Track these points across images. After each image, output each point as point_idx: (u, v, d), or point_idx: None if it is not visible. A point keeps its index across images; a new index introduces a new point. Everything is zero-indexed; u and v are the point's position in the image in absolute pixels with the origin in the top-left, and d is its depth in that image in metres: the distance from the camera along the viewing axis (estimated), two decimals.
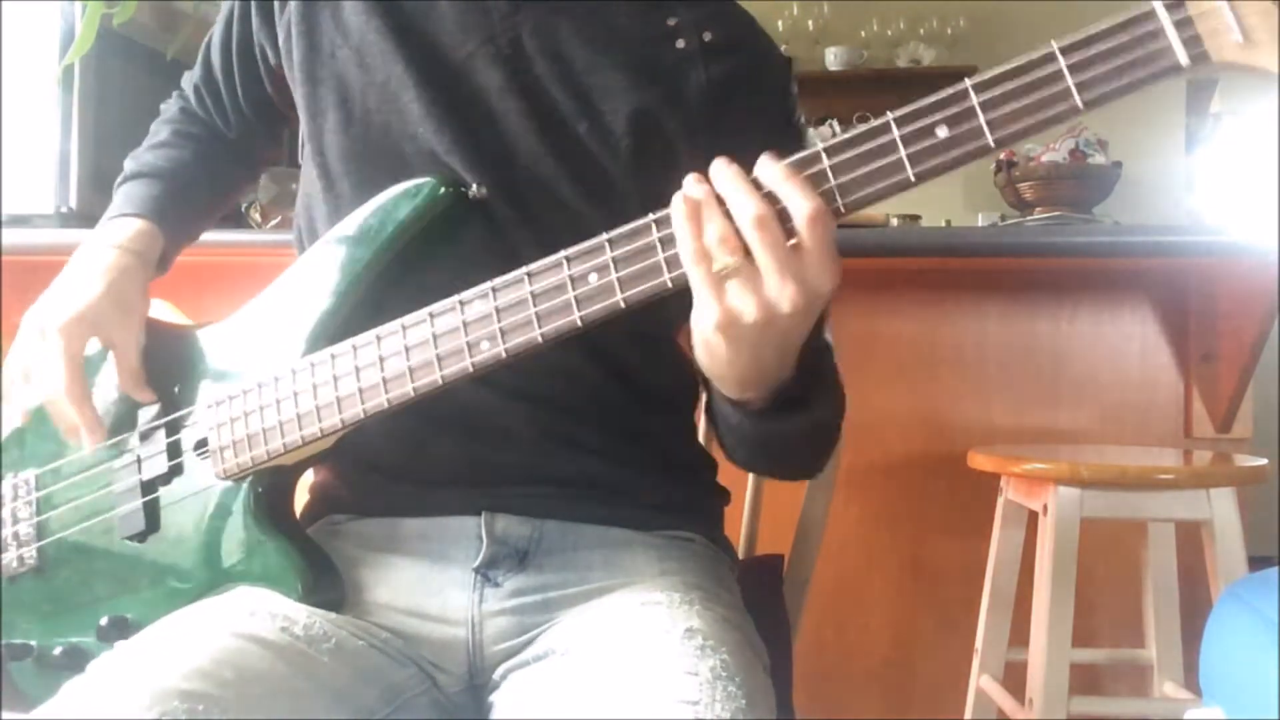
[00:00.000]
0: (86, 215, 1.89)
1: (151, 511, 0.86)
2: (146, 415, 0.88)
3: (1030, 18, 3.89)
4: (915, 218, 2.37)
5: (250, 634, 0.72)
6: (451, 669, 0.81)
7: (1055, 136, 2.03)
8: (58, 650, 0.88)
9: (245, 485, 0.82)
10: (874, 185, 0.61)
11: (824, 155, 0.62)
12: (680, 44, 0.88)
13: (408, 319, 0.73)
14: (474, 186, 0.79)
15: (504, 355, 0.70)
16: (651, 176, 0.66)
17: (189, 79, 1.05)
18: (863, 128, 0.61)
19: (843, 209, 0.62)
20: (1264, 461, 1.49)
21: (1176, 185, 3.90)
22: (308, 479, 0.92)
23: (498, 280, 0.70)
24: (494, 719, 0.78)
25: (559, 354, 0.71)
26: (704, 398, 0.76)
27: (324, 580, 0.81)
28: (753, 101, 0.88)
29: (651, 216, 0.65)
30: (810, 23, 4.23)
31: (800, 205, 0.61)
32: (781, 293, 0.61)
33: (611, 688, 0.69)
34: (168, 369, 0.88)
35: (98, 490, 0.89)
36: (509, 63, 0.86)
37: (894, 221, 2.25)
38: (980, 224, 2.74)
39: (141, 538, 0.86)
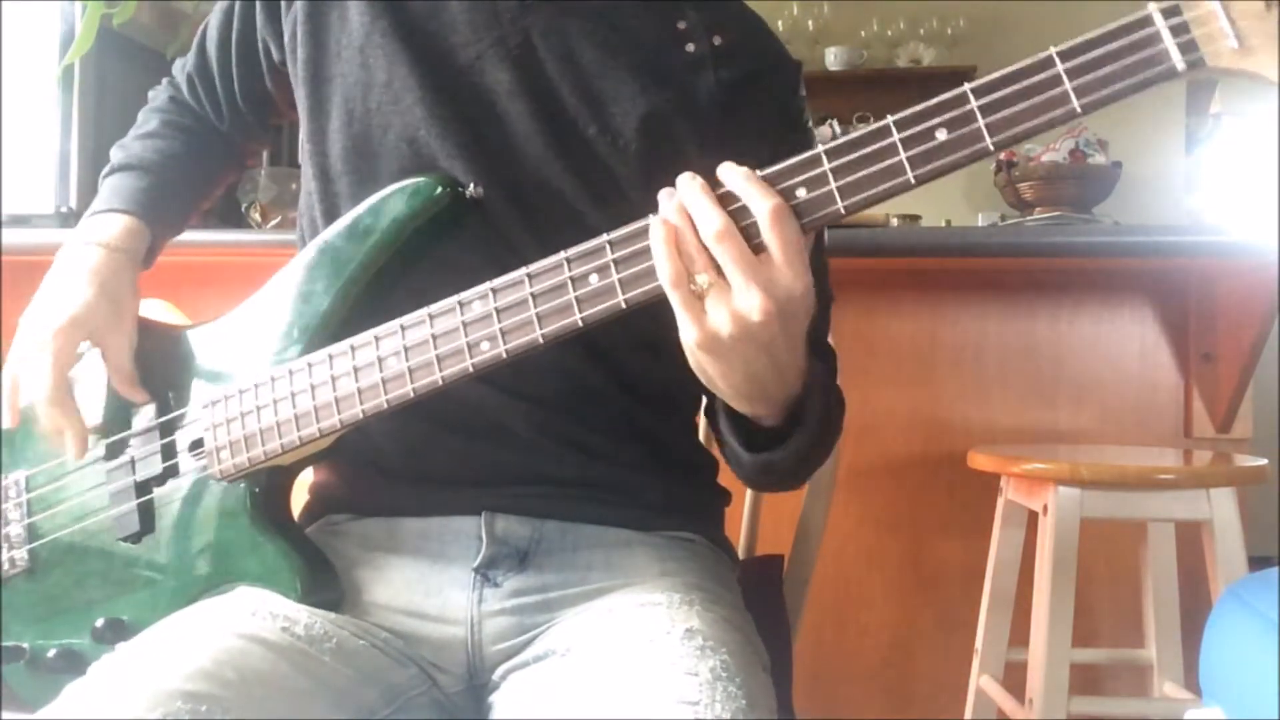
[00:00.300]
0: (80, 220, 1.90)
1: (146, 512, 0.86)
2: (140, 415, 0.88)
3: (1030, 18, 3.89)
4: (915, 218, 2.37)
5: (252, 634, 0.72)
6: (451, 669, 0.81)
7: (1055, 136, 2.03)
8: (52, 653, 0.88)
9: (242, 486, 0.82)
10: (874, 187, 0.62)
11: (824, 158, 0.63)
12: (690, 47, 0.88)
13: (406, 319, 0.73)
14: (471, 186, 0.79)
15: (504, 356, 0.70)
16: (660, 181, 0.66)
17: (180, 67, 1.04)
18: (863, 130, 0.62)
19: (843, 211, 0.63)
20: (1264, 461, 1.49)
21: (1176, 185, 3.91)
22: (307, 478, 0.92)
23: (498, 281, 0.70)
24: (494, 719, 0.78)
25: (559, 354, 0.72)
26: (704, 402, 0.77)
27: (322, 580, 0.81)
28: (762, 105, 0.88)
29: (652, 218, 0.65)
30: (810, 23, 4.22)
31: (761, 205, 0.62)
32: (750, 303, 0.62)
33: (611, 688, 0.69)
34: (161, 369, 0.88)
35: (91, 491, 0.89)
36: (519, 63, 0.85)
37: (894, 221, 2.25)
38: (980, 224, 2.74)
39: (136, 539, 0.86)
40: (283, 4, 0.92)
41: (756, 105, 0.87)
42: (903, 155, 0.61)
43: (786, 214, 0.62)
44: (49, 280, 0.90)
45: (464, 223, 0.80)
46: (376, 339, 0.75)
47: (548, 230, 0.83)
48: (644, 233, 0.65)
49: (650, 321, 0.67)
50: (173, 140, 0.99)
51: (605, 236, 0.67)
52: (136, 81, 2.17)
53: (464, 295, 0.71)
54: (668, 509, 0.89)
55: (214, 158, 1.03)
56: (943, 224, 2.67)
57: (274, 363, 0.80)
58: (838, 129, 3.36)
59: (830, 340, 0.89)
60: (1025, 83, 0.59)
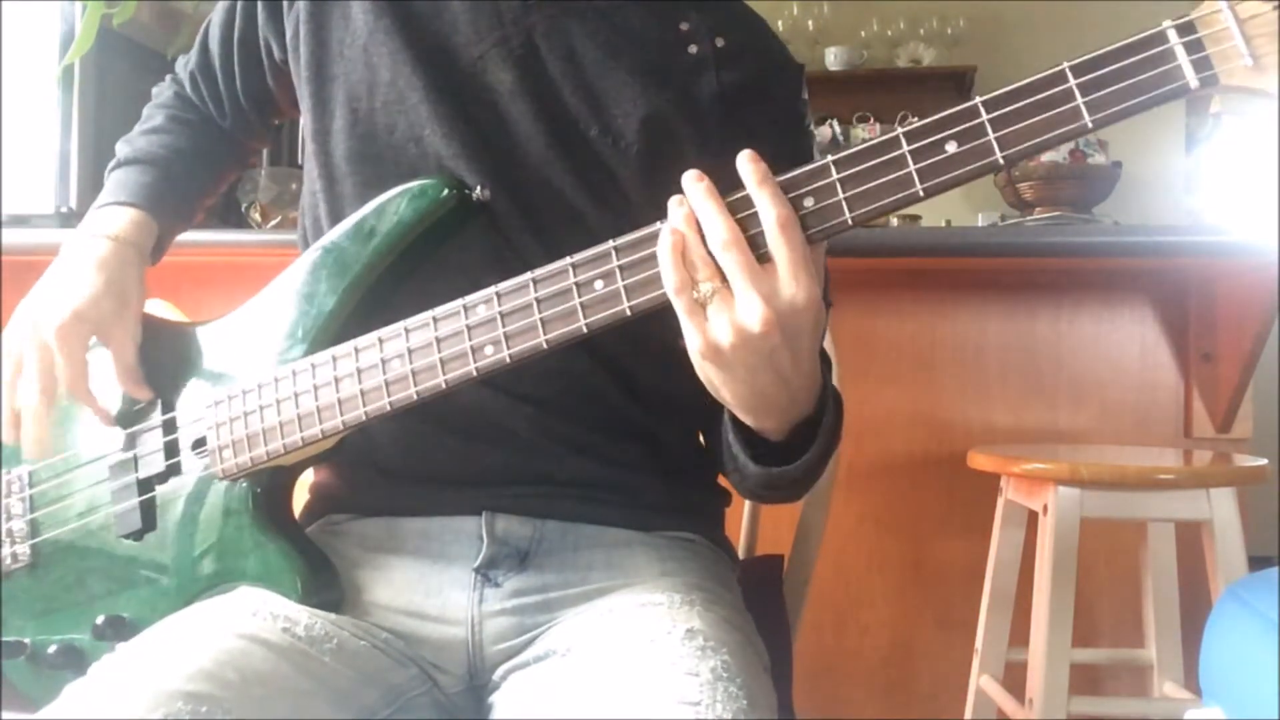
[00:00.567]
0: (86, 215, 1.90)
1: (148, 510, 0.86)
2: (143, 412, 0.88)
3: (1030, 18, 3.89)
4: (915, 218, 2.37)
5: (253, 635, 0.72)
6: (451, 669, 0.81)
7: None
8: (53, 649, 0.88)
9: (244, 485, 0.82)
10: (883, 199, 0.62)
11: (833, 168, 0.62)
12: (693, 49, 0.87)
13: (410, 322, 0.73)
14: (478, 189, 0.79)
15: (508, 360, 0.70)
16: (661, 182, 0.66)
17: (184, 64, 1.04)
18: (872, 142, 0.62)
19: (851, 222, 0.63)
20: (1264, 461, 1.49)
21: (1176, 185, 3.91)
22: (307, 478, 0.92)
23: (502, 285, 0.70)
24: (494, 719, 0.78)
25: (561, 356, 0.72)
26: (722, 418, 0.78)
27: (322, 580, 0.81)
28: (764, 108, 0.88)
29: (659, 224, 0.65)
30: (810, 23, 4.22)
31: (769, 214, 0.62)
32: (751, 312, 0.62)
33: (612, 688, 0.69)
34: (165, 366, 0.88)
35: (93, 487, 0.89)
36: (521, 63, 0.85)
37: (894, 222, 2.25)
38: (980, 224, 2.74)
39: (138, 536, 0.86)
40: (285, 3, 0.92)
41: (758, 108, 0.87)
42: (912, 167, 0.61)
43: (794, 224, 0.62)
44: (53, 271, 0.89)
45: (469, 224, 0.80)
46: (380, 341, 0.75)
47: (550, 231, 0.83)
48: (650, 239, 0.65)
49: (652, 324, 0.67)
50: (178, 135, 0.99)
51: (611, 243, 0.67)
52: (136, 81, 2.17)
53: (469, 299, 0.71)
54: (668, 509, 0.89)
55: (218, 154, 1.03)
56: (943, 224, 2.67)
57: (278, 363, 0.81)
58: (838, 129, 3.37)
59: (828, 343, 0.89)
60: (1037, 97, 0.59)
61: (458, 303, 0.71)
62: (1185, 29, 0.56)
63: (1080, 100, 0.58)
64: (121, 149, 0.99)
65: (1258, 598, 1.00)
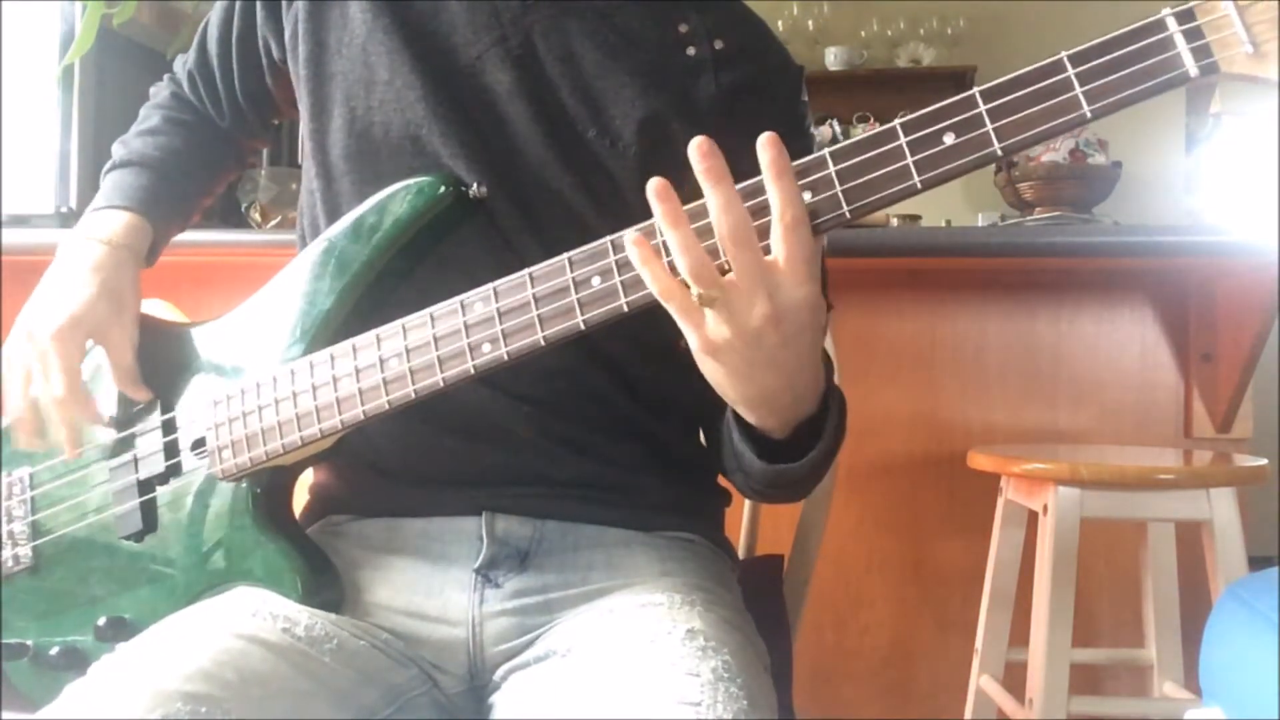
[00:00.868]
0: (82, 216, 1.91)
1: (149, 511, 0.86)
2: (142, 413, 0.88)
3: (1030, 18, 3.89)
4: (915, 218, 2.37)
5: (252, 635, 0.72)
6: (452, 670, 0.81)
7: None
8: (54, 650, 0.88)
9: (243, 485, 0.82)
10: (881, 191, 0.61)
11: (830, 160, 0.62)
12: (691, 51, 0.87)
13: (408, 320, 0.73)
14: (475, 186, 0.79)
15: (506, 358, 0.70)
16: None
17: (182, 64, 1.04)
18: (870, 134, 0.61)
19: (849, 214, 0.62)
20: (1264, 461, 1.49)
21: (1176, 185, 3.91)
22: (308, 479, 0.92)
23: (500, 282, 0.70)
24: (494, 719, 0.78)
25: (560, 355, 0.72)
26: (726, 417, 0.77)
27: (322, 581, 0.81)
28: (763, 110, 0.87)
29: (652, 222, 0.65)
30: (810, 23, 4.22)
31: (784, 211, 0.61)
32: (753, 310, 0.62)
33: (612, 689, 0.68)
34: (163, 367, 0.88)
35: (93, 489, 0.89)
36: (519, 64, 0.85)
37: (894, 221, 2.25)
38: (980, 224, 2.74)
39: (139, 537, 0.86)
40: (283, 2, 0.92)
41: (757, 110, 0.87)
42: (910, 159, 0.60)
43: (804, 223, 0.61)
44: (50, 276, 0.90)
45: (467, 222, 0.80)
46: (378, 339, 0.75)
47: (548, 231, 0.83)
48: (648, 233, 0.65)
49: (651, 323, 0.67)
50: (174, 137, 0.99)
51: (608, 239, 0.66)
52: (136, 81, 2.17)
53: (466, 296, 0.71)
54: (668, 509, 0.89)
55: (216, 155, 1.03)
56: (943, 224, 2.67)
57: (276, 362, 0.80)
58: (838, 129, 3.36)
59: (828, 344, 0.89)
60: (1035, 87, 0.58)
61: (455, 300, 0.71)
62: (1184, 16, 0.55)
63: (1079, 90, 0.57)
64: (117, 151, 0.99)
65: (1258, 598, 1.00)
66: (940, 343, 1.94)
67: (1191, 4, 0.55)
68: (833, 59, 4.15)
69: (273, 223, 1.97)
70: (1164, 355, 1.91)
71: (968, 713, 1.70)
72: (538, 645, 0.80)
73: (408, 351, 0.73)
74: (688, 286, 0.62)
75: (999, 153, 0.59)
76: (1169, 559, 1.67)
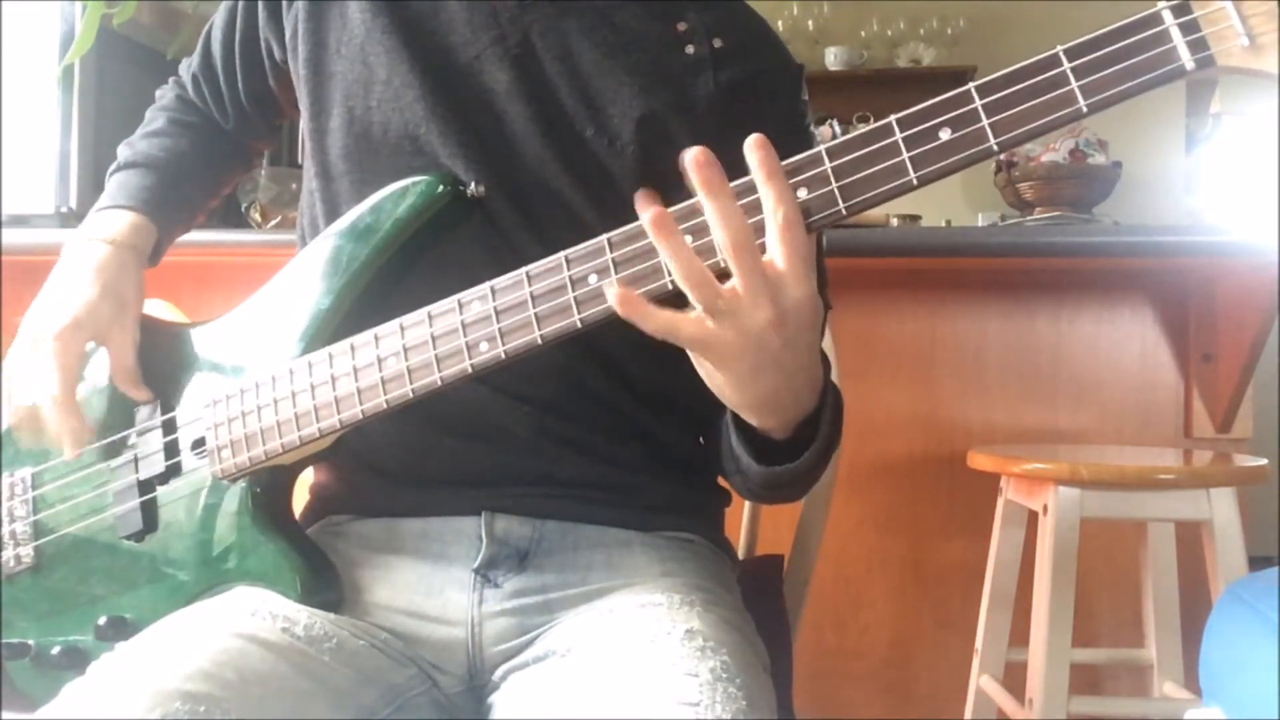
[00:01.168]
0: (86, 215, 1.91)
1: (149, 511, 0.86)
2: (143, 413, 0.88)
3: (1030, 17, 3.89)
4: (915, 218, 2.37)
5: (251, 635, 0.72)
6: (451, 670, 0.81)
7: (1055, 136, 2.03)
8: (55, 650, 0.88)
9: (243, 485, 0.82)
10: (877, 188, 0.61)
11: (826, 157, 0.62)
12: (690, 50, 0.87)
13: (406, 319, 0.73)
14: (473, 185, 0.79)
15: (503, 356, 0.70)
16: (657, 182, 0.66)
17: (186, 67, 1.04)
18: (865, 130, 0.61)
19: (844, 211, 0.62)
20: (1264, 461, 1.49)
21: (1176, 185, 3.91)
22: (307, 479, 0.92)
23: (497, 281, 0.70)
24: (494, 719, 0.78)
25: (558, 354, 0.72)
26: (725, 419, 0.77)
27: (322, 580, 0.81)
28: (762, 109, 0.87)
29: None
30: (810, 23, 4.22)
31: (777, 210, 0.61)
32: (755, 313, 0.62)
33: (612, 689, 0.68)
34: (163, 367, 0.88)
35: (94, 489, 0.89)
36: (518, 63, 0.85)
37: (894, 221, 2.25)
38: (980, 224, 2.74)
39: (139, 537, 0.86)
40: (284, 3, 0.92)
41: (756, 109, 0.87)
42: (905, 155, 0.60)
43: (798, 223, 0.61)
44: (53, 277, 0.90)
45: (465, 222, 0.80)
46: (376, 338, 0.75)
47: (547, 230, 0.83)
48: (644, 233, 0.65)
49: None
50: (179, 139, 1.00)
51: (605, 237, 0.66)
52: (136, 81, 2.17)
53: (463, 295, 0.71)
54: (668, 509, 0.89)
55: (221, 157, 1.03)
56: (943, 224, 2.67)
57: (276, 361, 0.81)
58: (838, 129, 3.36)
59: (828, 344, 0.89)
60: (1030, 82, 0.58)
61: (452, 299, 0.71)
62: (1180, 9, 0.55)
63: (1074, 84, 0.57)
64: (122, 152, 0.99)
65: (1258, 598, 1.00)
66: (940, 343, 1.94)
67: None
68: (833, 59, 4.14)
69: (273, 223, 1.97)
70: (1164, 355, 1.91)
71: (968, 713, 1.70)
72: (537, 645, 0.80)
73: (405, 350, 0.73)
74: (675, 303, 0.62)
75: (995, 148, 0.59)
76: (1169, 559, 1.67)
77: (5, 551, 0.93)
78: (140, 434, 0.87)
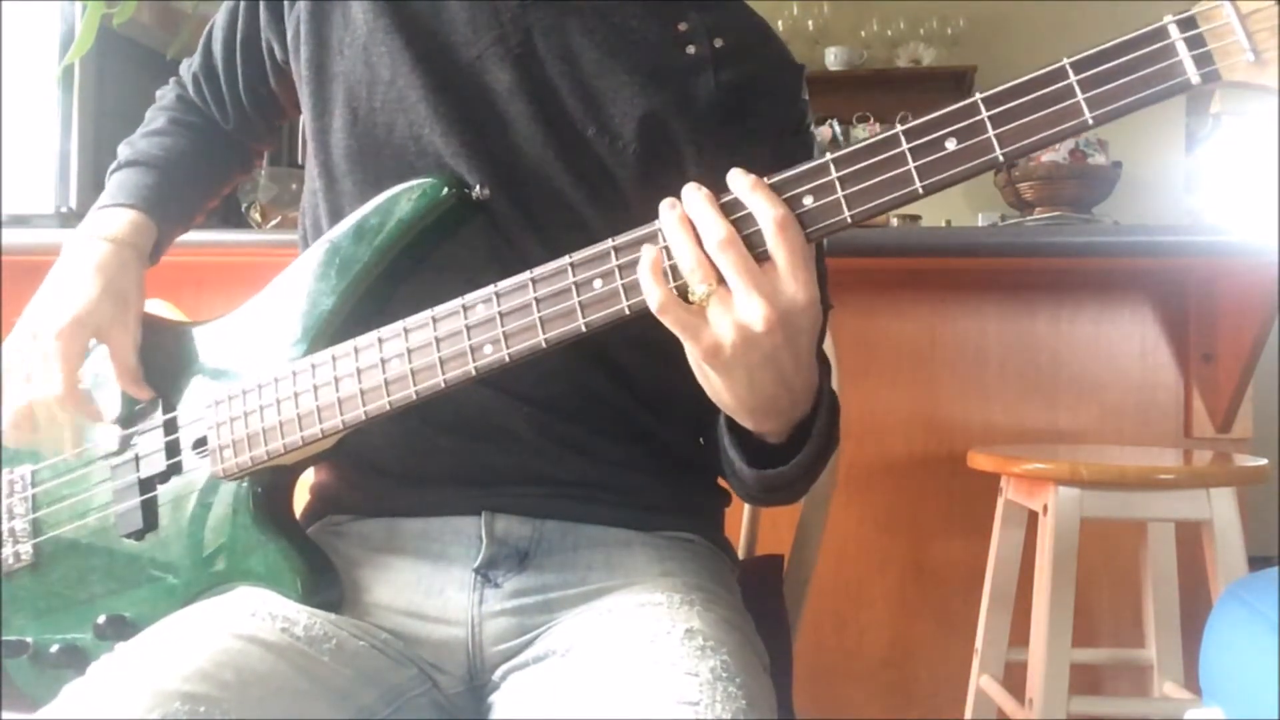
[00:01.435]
0: (86, 215, 1.91)
1: (149, 510, 0.86)
2: (144, 412, 0.88)
3: (1030, 18, 3.89)
4: (915, 218, 2.37)
5: (251, 635, 0.72)
6: (451, 670, 0.81)
7: None
8: (54, 648, 0.88)
9: (244, 485, 0.82)
10: (882, 197, 0.61)
11: (832, 166, 0.62)
12: (691, 49, 0.87)
13: (410, 321, 0.73)
14: (477, 187, 0.79)
15: (507, 359, 0.70)
16: (659, 182, 0.66)
17: (187, 67, 1.04)
18: (871, 139, 0.62)
19: (850, 220, 0.62)
20: (1264, 461, 1.49)
21: (1176, 185, 3.91)
22: (308, 479, 0.92)
23: (501, 284, 0.70)
24: (493, 719, 0.78)
25: (561, 356, 0.72)
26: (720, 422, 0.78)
27: (322, 580, 0.81)
28: (763, 108, 0.88)
29: (658, 223, 0.65)
30: (810, 23, 4.22)
31: (767, 214, 0.62)
32: (752, 312, 0.62)
33: (611, 689, 0.69)
34: (165, 366, 0.88)
35: (94, 487, 0.89)
36: (520, 62, 0.85)
37: (894, 221, 2.25)
38: (980, 224, 2.74)
39: (139, 536, 0.86)
40: (285, 3, 0.92)
41: (757, 109, 0.87)
42: (911, 165, 0.60)
43: (792, 223, 0.62)
44: (54, 275, 0.90)
45: (468, 223, 0.80)
46: (380, 340, 0.75)
47: (549, 230, 0.83)
48: (650, 238, 0.65)
49: (652, 324, 0.67)
50: (180, 138, 1.00)
51: (610, 242, 0.66)
52: (136, 81, 2.17)
53: (468, 298, 0.71)
54: (668, 509, 0.89)
55: (221, 156, 1.03)
56: (943, 224, 2.67)
57: (278, 362, 0.81)
58: (838, 129, 3.36)
59: (828, 345, 0.89)
60: (1037, 94, 0.58)
61: (456, 302, 0.71)
62: (1186, 24, 0.55)
63: (1080, 96, 0.57)
64: (123, 151, 0.99)
65: (1258, 598, 1.00)
66: (940, 343, 1.94)
67: (1193, 11, 0.55)
68: (833, 59, 4.15)
69: (273, 223, 1.97)
70: (1164, 355, 1.91)
71: (968, 713, 1.70)
72: (537, 645, 0.80)
73: (409, 352, 0.73)
74: (683, 298, 0.63)
75: (1000, 159, 0.59)
76: (1169, 559, 1.67)
77: (4, 549, 0.93)
78: (141, 433, 0.87)
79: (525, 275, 0.69)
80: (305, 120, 0.91)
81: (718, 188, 0.64)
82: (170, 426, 0.86)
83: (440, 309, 0.72)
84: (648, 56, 0.87)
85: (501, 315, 0.70)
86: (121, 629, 0.85)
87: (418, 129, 0.85)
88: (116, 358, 0.88)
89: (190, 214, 1.01)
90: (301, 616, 0.76)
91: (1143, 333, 1.91)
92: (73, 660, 0.87)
